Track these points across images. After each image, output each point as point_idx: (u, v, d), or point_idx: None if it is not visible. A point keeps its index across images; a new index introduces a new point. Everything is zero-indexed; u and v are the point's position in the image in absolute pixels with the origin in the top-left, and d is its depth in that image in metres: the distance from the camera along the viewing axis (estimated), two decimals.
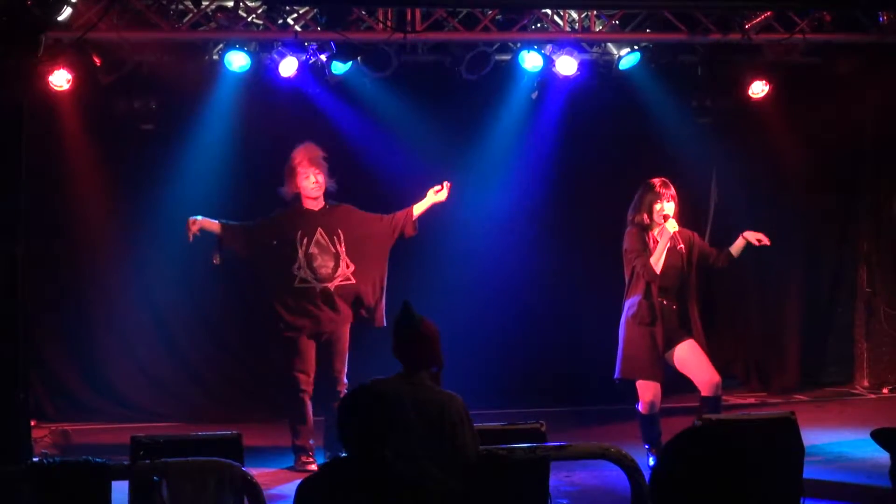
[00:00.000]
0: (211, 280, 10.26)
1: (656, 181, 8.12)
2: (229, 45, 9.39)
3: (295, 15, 9.38)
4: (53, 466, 5.58)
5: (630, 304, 8.08)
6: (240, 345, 10.48)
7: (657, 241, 8.04)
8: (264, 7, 9.23)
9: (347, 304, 8.32)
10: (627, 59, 9.78)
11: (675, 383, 8.76)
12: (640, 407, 8.07)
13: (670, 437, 3.21)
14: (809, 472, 6.66)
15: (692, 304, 8.12)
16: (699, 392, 8.11)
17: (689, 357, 8.05)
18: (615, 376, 8.16)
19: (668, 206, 8.05)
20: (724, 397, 10.40)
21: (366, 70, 9.68)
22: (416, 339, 5.46)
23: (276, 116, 10.07)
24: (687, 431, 3.25)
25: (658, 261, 7.99)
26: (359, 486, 5.23)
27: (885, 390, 11.17)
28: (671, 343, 8.06)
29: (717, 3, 9.30)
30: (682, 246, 8.12)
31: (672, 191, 8.12)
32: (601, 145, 10.65)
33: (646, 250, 8.03)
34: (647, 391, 8.03)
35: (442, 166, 10.46)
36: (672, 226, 8.00)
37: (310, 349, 8.27)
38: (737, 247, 8.24)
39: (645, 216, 8.08)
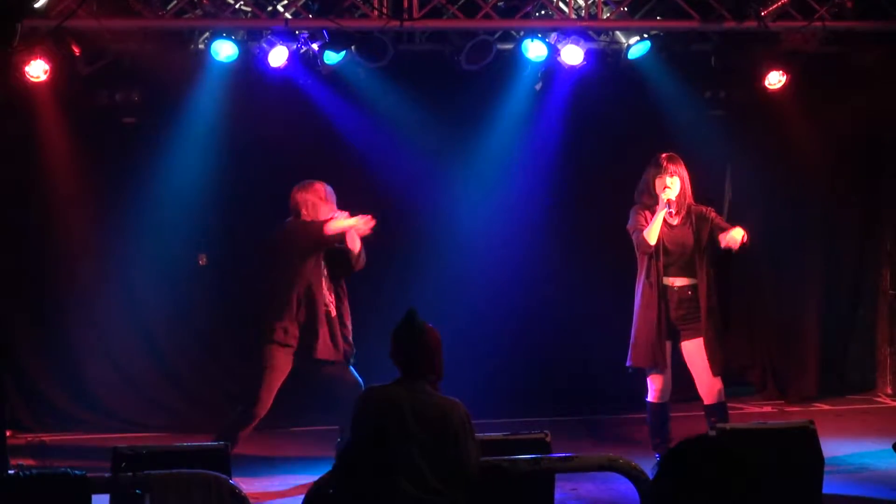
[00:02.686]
0: (197, 283, 10.27)
1: (663, 156, 8.19)
2: (216, 34, 9.40)
3: (285, 1, 9.39)
4: (30, 479, 5.58)
5: (637, 287, 8.18)
6: (227, 351, 10.47)
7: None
8: None
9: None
10: (637, 48, 9.79)
11: (682, 391, 8.79)
12: (648, 395, 8.16)
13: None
14: (829, 486, 6.66)
15: (702, 286, 8.11)
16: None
17: (693, 360, 8.16)
18: (626, 363, 8.26)
19: (669, 181, 8.08)
20: (740, 406, 10.49)
21: (360, 60, 9.68)
22: (417, 347, 5.48)
23: (265, 109, 10.07)
24: (695, 439, 3.20)
25: (651, 232, 8.04)
26: (358, 500, 5.27)
27: None
28: (679, 335, 8.14)
29: None
30: (679, 218, 8.12)
31: (678, 166, 8.14)
32: (608, 139, 10.65)
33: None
34: (654, 379, 8.17)
35: (440, 162, 10.50)
36: (667, 195, 8.05)
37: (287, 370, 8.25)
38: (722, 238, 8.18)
39: (647, 192, 8.14)
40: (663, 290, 8.11)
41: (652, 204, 8.14)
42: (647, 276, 8.13)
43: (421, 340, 5.48)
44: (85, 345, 10.32)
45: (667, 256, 8.13)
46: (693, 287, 8.13)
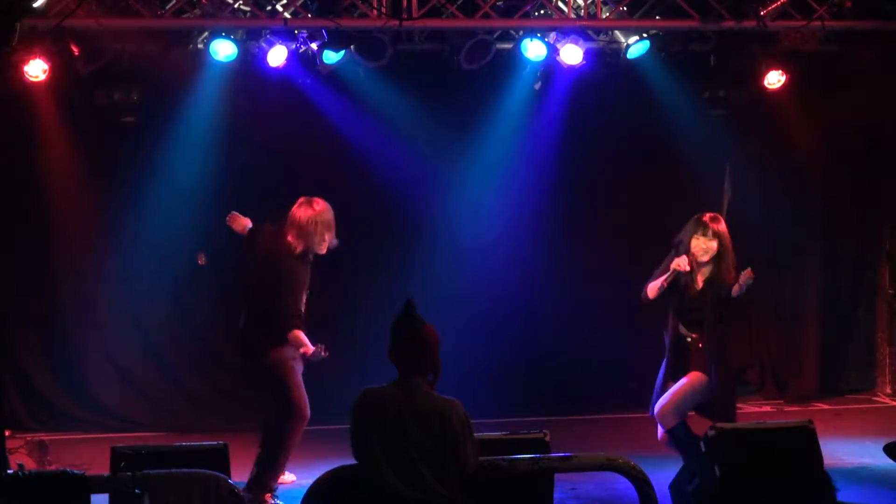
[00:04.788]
0: (196, 282, 10.28)
1: (707, 216, 7.83)
2: (215, 34, 9.41)
3: (284, 1, 9.40)
4: (30, 479, 5.58)
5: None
6: (227, 351, 10.46)
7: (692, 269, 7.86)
8: None
9: None
10: (636, 47, 9.79)
11: None
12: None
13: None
14: None
15: (711, 340, 7.78)
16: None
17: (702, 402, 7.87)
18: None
19: (702, 242, 7.74)
20: (740, 406, 10.48)
21: (359, 59, 9.69)
22: (415, 342, 5.47)
23: (264, 108, 10.09)
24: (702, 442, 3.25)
25: (651, 287, 7.86)
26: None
27: None
28: (677, 378, 7.88)
29: None
30: (697, 282, 7.87)
31: (719, 226, 7.79)
32: (607, 138, 10.66)
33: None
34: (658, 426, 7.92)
35: (440, 161, 10.52)
36: (682, 261, 7.76)
37: None
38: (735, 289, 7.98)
39: (682, 244, 7.83)
40: (678, 340, 7.86)
41: (683, 253, 7.82)
42: (666, 328, 7.94)
43: (419, 333, 5.47)
44: (85, 345, 10.33)
45: (683, 311, 7.85)
46: (706, 338, 7.78)
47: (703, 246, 7.76)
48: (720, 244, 7.78)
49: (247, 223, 8.05)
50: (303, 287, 7.81)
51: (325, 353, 7.61)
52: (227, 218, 8.05)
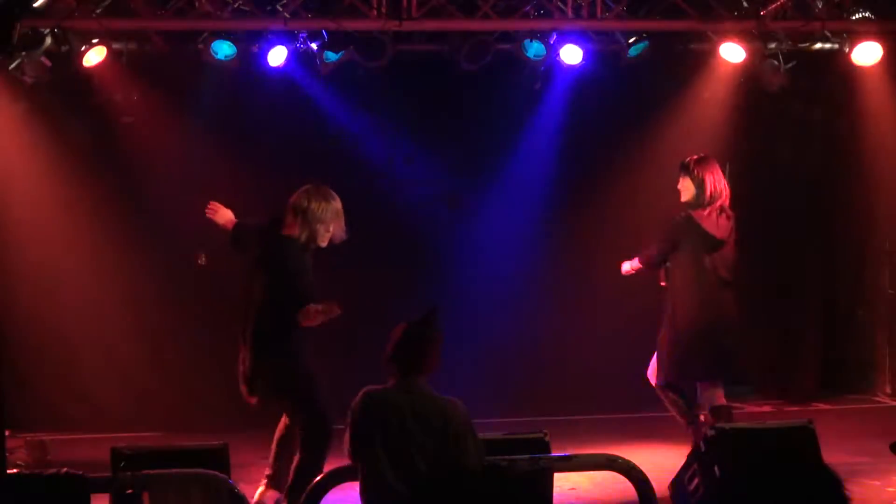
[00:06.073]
0: (196, 282, 10.27)
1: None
2: (215, 34, 9.41)
3: (284, 1, 9.40)
4: (29, 479, 5.59)
5: None
6: (227, 350, 10.45)
7: None
8: None
9: None
10: (636, 47, 9.79)
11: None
12: None
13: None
14: None
15: (667, 291, 8.25)
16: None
17: None
18: None
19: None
20: (740, 405, 10.54)
21: (359, 60, 9.69)
22: (430, 345, 5.50)
23: (264, 108, 10.09)
24: (703, 442, 3.27)
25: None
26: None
27: None
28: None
29: None
30: None
31: (690, 169, 8.16)
32: (608, 138, 10.66)
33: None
34: None
35: (439, 161, 10.52)
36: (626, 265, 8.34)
37: None
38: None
39: None
40: None
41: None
42: None
43: (436, 338, 5.51)
44: (84, 344, 10.33)
45: None
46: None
47: (680, 189, 8.12)
48: (696, 190, 8.08)
49: (230, 215, 7.68)
50: (309, 275, 7.31)
51: (339, 308, 7.00)
52: (207, 210, 7.66)
